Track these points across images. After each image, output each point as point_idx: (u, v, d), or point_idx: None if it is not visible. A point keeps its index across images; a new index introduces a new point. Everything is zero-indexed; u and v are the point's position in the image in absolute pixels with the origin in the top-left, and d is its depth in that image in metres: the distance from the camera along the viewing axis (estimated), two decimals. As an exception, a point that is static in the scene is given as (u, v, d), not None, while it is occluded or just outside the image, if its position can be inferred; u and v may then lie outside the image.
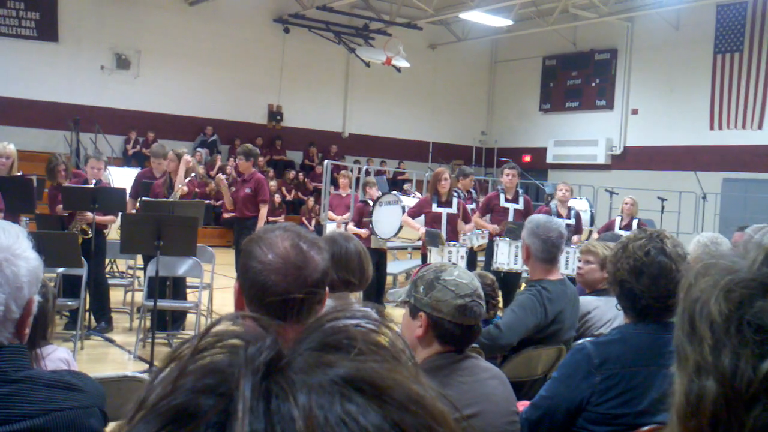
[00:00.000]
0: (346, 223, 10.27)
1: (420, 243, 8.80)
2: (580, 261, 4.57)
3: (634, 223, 9.51)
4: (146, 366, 6.24)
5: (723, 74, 19.19)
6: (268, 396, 0.49)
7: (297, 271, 1.77)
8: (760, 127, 18.44)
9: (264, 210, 8.49)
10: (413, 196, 11.50)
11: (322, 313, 0.58)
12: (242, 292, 1.85)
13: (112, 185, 8.16)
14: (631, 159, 21.11)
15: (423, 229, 8.38)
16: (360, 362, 0.52)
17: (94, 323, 7.60)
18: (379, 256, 9.21)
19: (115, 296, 8.43)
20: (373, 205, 9.38)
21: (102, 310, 7.67)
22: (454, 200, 8.62)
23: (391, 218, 9.16)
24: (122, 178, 9.34)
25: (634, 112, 21.28)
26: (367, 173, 13.49)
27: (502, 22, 19.77)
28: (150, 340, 6.39)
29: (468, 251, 8.58)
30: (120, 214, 7.25)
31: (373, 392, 0.50)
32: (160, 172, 8.00)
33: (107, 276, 8.33)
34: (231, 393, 0.50)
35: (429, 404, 0.52)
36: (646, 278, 2.49)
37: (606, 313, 4.10)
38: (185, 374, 0.52)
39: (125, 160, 17.85)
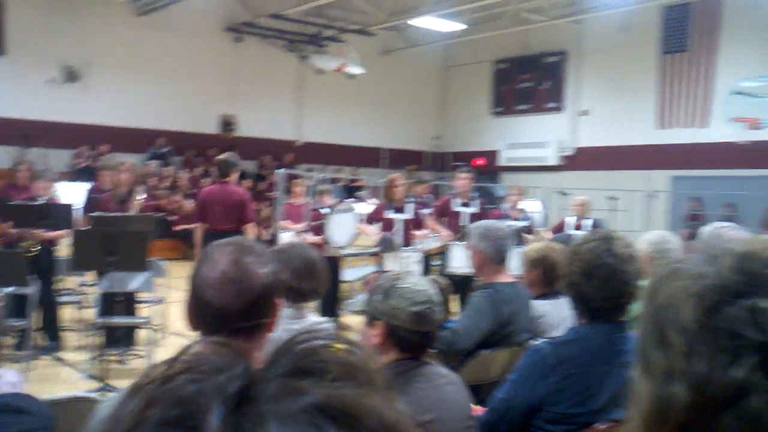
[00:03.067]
0: (302, 232, 10.23)
1: (375, 250, 8.81)
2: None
3: (586, 223, 9.61)
4: (99, 384, 6.13)
5: (670, 74, 19.60)
6: (237, 428, 0.48)
7: (234, 285, 1.77)
8: (706, 125, 18.87)
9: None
10: (368, 203, 11.52)
11: (292, 336, 0.57)
12: (191, 309, 1.85)
13: (59, 201, 8.02)
14: (582, 159, 21.40)
15: (378, 235, 8.40)
16: (333, 389, 0.51)
17: (43, 342, 7.45)
18: (335, 264, 9.19)
19: (65, 314, 8.27)
20: (328, 214, 9.36)
21: (52, 329, 7.53)
22: (409, 206, 8.65)
23: (345, 226, 9.15)
24: (73, 193, 9.19)
25: (585, 113, 21.60)
26: (322, 181, 13.46)
27: (453, 26, 19.92)
28: (102, 358, 6.28)
29: (423, 256, 8.61)
30: (71, 230, 7.13)
31: (346, 420, 0.49)
32: (110, 186, 7.89)
33: (56, 293, 8.18)
34: (199, 426, 0.48)
35: (403, 430, 0.51)
36: (597, 280, 2.53)
37: (554, 317, 4.14)
38: (152, 405, 0.50)
39: (75, 175, 17.54)
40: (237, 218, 7.82)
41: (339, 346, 0.56)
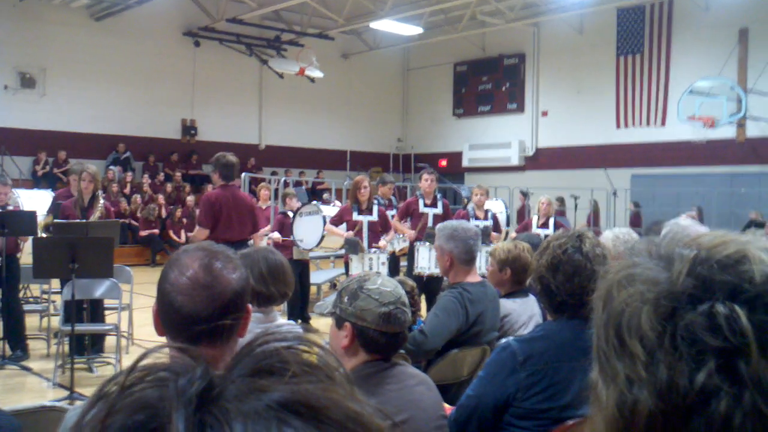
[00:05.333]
0: (267, 236, 10.18)
1: (342, 251, 8.81)
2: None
3: (551, 222, 9.68)
4: (66, 393, 6.04)
5: (626, 75, 19.89)
6: (202, 427, 0.48)
7: (204, 291, 1.75)
8: (663, 124, 19.19)
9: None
10: (333, 206, 11.51)
11: (252, 339, 0.57)
12: (159, 314, 1.83)
13: (21, 208, 7.89)
14: (543, 159, 21.63)
15: (347, 234, 8.39)
16: (294, 384, 0.52)
17: (8, 352, 7.32)
18: (302, 267, 9.17)
19: (30, 322, 8.13)
20: (294, 216, 9.34)
21: (17, 338, 7.40)
22: (375, 208, 8.67)
23: (312, 228, 9.13)
24: (32, 200, 9.03)
25: (544, 114, 21.82)
26: (286, 184, 13.42)
27: (412, 30, 19.98)
28: (69, 366, 6.20)
29: (389, 257, 8.63)
30: (32, 237, 7.01)
31: (311, 414, 0.50)
32: (76, 192, 7.77)
33: (21, 302, 8.04)
34: (163, 428, 0.48)
35: (367, 421, 0.52)
36: (561, 275, 2.57)
37: (521, 315, 4.18)
38: (114, 412, 0.50)
39: (35, 182, 17.26)
40: (251, 226, 7.24)
41: (299, 346, 0.57)
